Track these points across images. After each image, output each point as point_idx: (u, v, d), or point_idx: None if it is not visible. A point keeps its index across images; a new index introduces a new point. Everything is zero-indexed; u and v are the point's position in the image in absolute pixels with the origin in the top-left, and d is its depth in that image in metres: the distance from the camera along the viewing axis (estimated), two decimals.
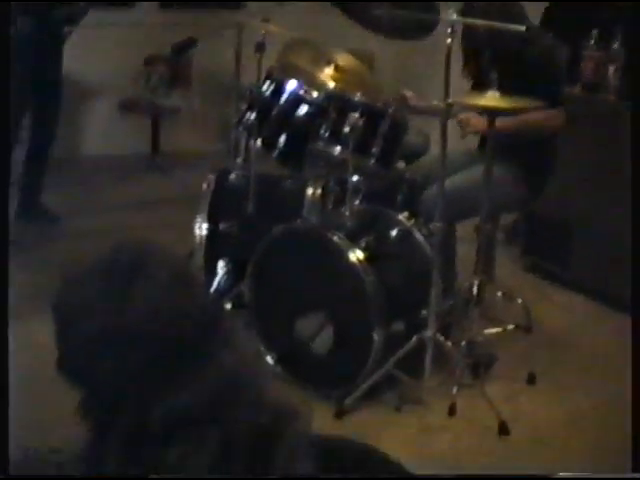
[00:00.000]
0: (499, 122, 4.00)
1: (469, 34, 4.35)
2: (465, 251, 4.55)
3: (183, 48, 7.40)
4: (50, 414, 3.47)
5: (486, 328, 4.28)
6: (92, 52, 7.08)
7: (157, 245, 1.43)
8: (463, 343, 4.08)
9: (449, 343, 3.98)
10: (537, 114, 4.19)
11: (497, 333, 4.37)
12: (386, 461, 1.48)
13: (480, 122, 4.19)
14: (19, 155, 5.88)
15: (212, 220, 4.46)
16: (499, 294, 4.74)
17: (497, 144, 4.00)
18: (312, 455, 1.35)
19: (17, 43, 5.38)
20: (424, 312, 3.95)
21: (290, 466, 1.32)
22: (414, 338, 3.91)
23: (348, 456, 1.46)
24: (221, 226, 4.46)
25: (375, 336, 3.78)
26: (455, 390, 3.91)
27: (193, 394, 1.31)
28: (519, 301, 4.63)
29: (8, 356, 1.56)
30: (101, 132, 7.60)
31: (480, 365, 4.10)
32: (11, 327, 4.43)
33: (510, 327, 4.43)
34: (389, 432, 3.66)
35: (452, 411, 3.88)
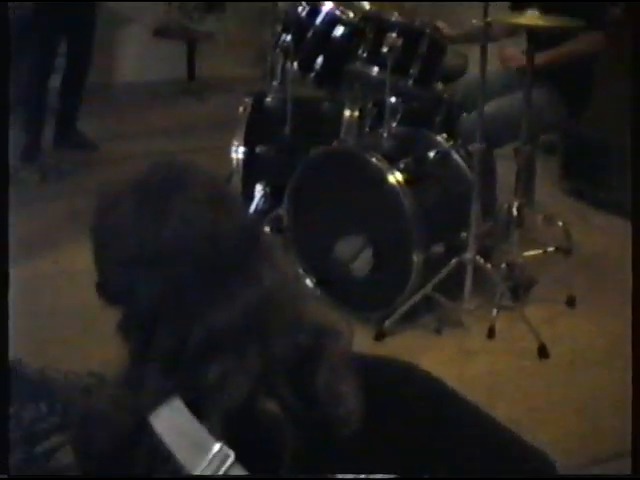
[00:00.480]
0: (540, 58, 3.96)
1: None
2: (505, 173, 4.50)
3: None
4: (90, 338, 3.50)
5: (526, 250, 4.24)
6: None
7: (194, 164, 1.41)
8: (503, 265, 4.05)
9: (489, 265, 3.94)
10: (577, 44, 4.13)
11: (537, 255, 4.32)
12: (429, 379, 1.46)
13: (520, 58, 4.14)
14: (55, 83, 5.87)
15: (249, 144, 4.43)
16: (539, 217, 4.68)
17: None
18: (353, 373, 1.34)
19: None
20: (464, 234, 3.91)
21: (332, 384, 1.31)
22: (453, 260, 3.88)
23: (390, 374, 1.45)
24: (258, 149, 4.43)
25: (414, 258, 3.76)
26: (494, 313, 3.89)
27: (232, 312, 1.30)
28: (559, 224, 4.57)
29: (8, 356, 1.55)
30: (136, 58, 7.56)
31: (520, 288, 4.08)
32: (51, 253, 4.48)
33: (550, 249, 4.38)
34: (428, 355, 3.65)
35: (491, 334, 3.87)
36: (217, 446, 1.27)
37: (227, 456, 1.27)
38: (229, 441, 1.27)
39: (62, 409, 2.55)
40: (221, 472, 1.26)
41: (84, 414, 1.41)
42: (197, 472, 1.26)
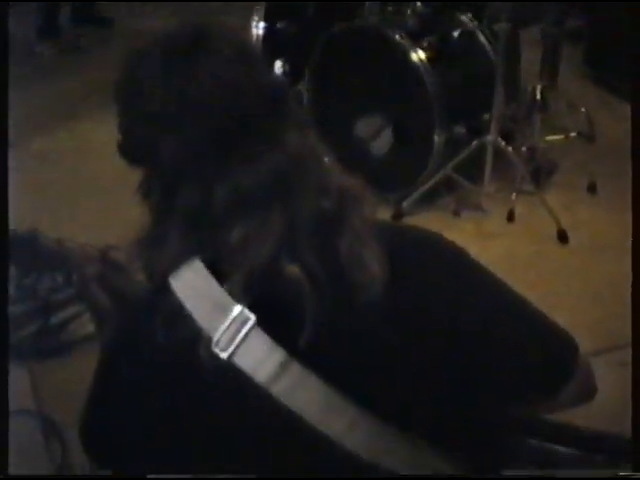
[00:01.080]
0: None
1: None
2: (530, 57, 4.41)
3: None
4: (105, 212, 3.50)
5: (548, 135, 4.18)
6: None
7: (224, 24, 1.38)
8: (524, 149, 4.00)
9: (510, 148, 3.89)
10: None
11: (559, 140, 4.26)
12: (454, 247, 1.44)
13: None
14: None
15: (269, 19, 4.34)
16: (562, 102, 4.60)
17: None
18: (377, 238, 1.31)
19: None
20: (486, 116, 3.85)
21: (355, 249, 1.29)
22: (475, 142, 3.84)
23: (415, 240, 1.43)
24: (278, 25, 4.35)
25: (435, 138, 3.73)
26: (514, 196, 3.86)
27: (257, 174, 1.28)
28: (582, 110, 4.50)
29: (8, 356, 1.54)
30: None
31: (541, 172, 4.05)
32: (68, 127, 4.46)
33: (572, 135, 4.32)
34: (446, 236, 3.63)
35: (511, 217, 3.84)
36: (237, 308, 1.26)
37: (248, 319, 1.25)
38: (250, 304, 1.26)
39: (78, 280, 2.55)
40: (240, 335, 1.25)
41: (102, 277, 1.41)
42: (216, 334, 1.25)
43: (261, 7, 4.34)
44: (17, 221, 3.53)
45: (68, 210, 3.71)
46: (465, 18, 4.07)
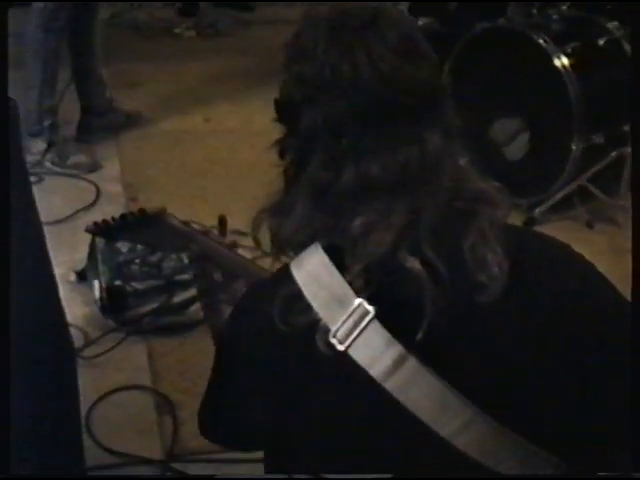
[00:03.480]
0: None
1: None
2: None
3: None
4: (235, 198, 3.50)
5: None
6: None
7: (397, 11, 1.41)
8: None
9: None
10: None
11: None
12: (582, 259, 1.39)
13: None
14: None
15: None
16: None
17: None
18: (503, 242, 1.28)
19: None
20: (626, 127, 3.75)
21: (478, 248, 1.26)
22: (613, 153, 3.75)
23: (543, 247, 1.39)
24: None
25: (573, 146, 3.66)
26: None
27: (389, 164, 1.27)
28: None
29: (9, 357, 1.56)
30: None
31: None
32: (202, 110, 4.49)
33: None
34: (576, 249, 3.54)
35: None
36: (357, 301, 1.25)
37: (367, 312, 1.24)
38: (369, 296, 1.25)
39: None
40: (359, 328, 1.24)
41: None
42: (335, 326, 1.24)
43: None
44: (146, 200, 3.61)
45: (199, 192, 3.74)
46: (611, 25, 3.98)
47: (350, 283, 1.26)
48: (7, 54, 1.83)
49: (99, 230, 1.68)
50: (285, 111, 1.34)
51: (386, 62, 1.27)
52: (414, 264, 1.25)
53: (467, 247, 1.27)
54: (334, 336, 1.24)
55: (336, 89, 1.27)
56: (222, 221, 1.90)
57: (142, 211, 1.66)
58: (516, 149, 3.80)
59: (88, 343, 2.98)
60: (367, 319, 1.24)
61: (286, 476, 1.37)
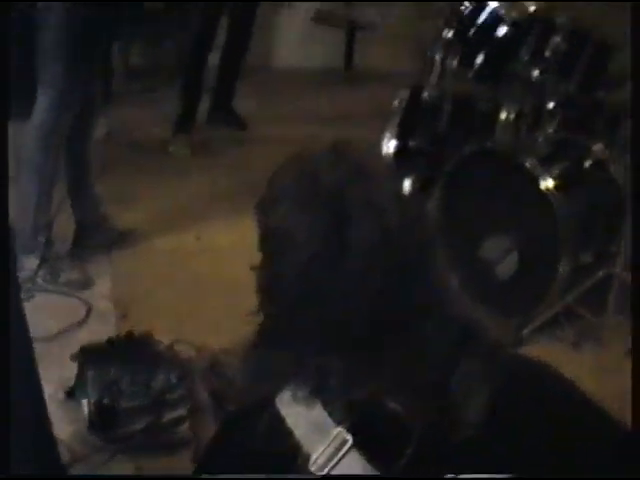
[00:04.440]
0: None
1: None
2: None
3: None
4: (226, 315, 3.52)
5: None
6: None
7: (373, 152, 1.43)
8: None
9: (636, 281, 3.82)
10: None
11: None
12: (567, 383, 1.42)
13: None
14: (214, 61, 5.95)
15: (401, 137, 4.40)
16: None
17: None
18: (491, 371, 1.32)
19: None
20: (613, 247, 3.81)
21: (463, 387, 1.30)
22: (600, 272, 3.80)
23: (528, 372, 1.44)
24: (410, 143, 4.40)
25: (561, 266, 3.70)
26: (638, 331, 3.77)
27: (361, 308, 1.31)
28: None
29: (9, 358, 1.58)
30: (295, 43, 7.60)
31: None
32: (195, 228, 4.54)
33: None
34: (564, 369, 3.54)
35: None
36: (337, 430, 1.28)
37: (345, 440, 1.27)
38: (349, 427, 1.29)
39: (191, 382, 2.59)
40: (339, 455, 1.27)
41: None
42: (315, 453, 1.27)
43: (394, 125, 4.40)
44: (136, 318, 3.64)
45: (189, 309, 3.76)
46: (596, 148, 4.06)
47: (330, 413, 1.29)
48: (7, 54, 1.84)
49: (85, 357, 1.70)
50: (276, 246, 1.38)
51: (373, 228, 1.31)
52: (395, 406, 1.28)
53: (454, 385, 1.30)
54: (314, 464, 1.27)
55: (311, 246, 1.31)
56: None
57: (129, 334, 1.69)
58: (505, 268, 3.84)
59: (76, 460, 2.96)
60: (346, 447, 1.27)
61: (286, 476, 1.37)
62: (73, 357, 1.63)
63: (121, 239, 4.40)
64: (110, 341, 1.50)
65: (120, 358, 1.55)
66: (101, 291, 4.02)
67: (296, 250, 1.31)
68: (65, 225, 4.31)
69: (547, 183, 3.73)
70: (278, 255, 1.35)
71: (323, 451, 1.27)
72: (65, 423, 3.11)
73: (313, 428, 1.29)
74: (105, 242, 4.36)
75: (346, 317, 1.31)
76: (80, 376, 3.21)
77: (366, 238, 1.30)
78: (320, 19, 7.42)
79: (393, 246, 1.32)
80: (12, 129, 2.30)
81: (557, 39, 3.96)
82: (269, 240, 1.37)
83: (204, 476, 1.40)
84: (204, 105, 5.98)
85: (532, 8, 4.33)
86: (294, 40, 7.60)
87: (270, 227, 1.36)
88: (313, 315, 1.32)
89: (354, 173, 1.33)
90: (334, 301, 1.31)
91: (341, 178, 1.33)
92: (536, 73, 4.00)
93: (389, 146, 4.41)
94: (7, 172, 1.69)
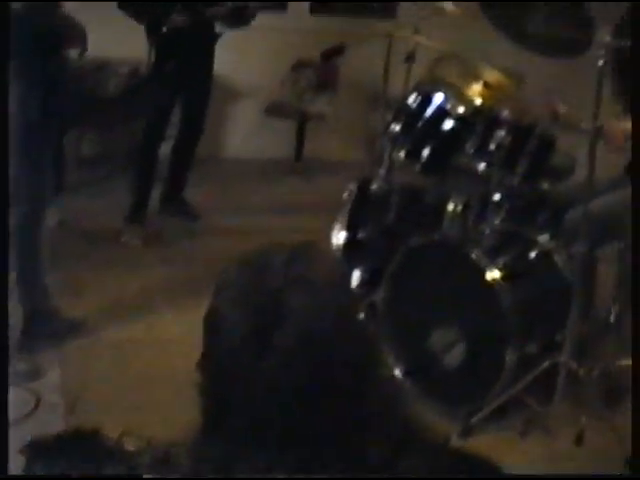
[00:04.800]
0: None
1: (622, 56, 4.23)
2: (606, 275, 4.43)
3: (332, 54, 7.41)
4: (177, 406, 3.51)
5: (622, 358, 4.15)
6: (242, 54, 7.18)
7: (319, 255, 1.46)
8: (596, 371, 3.97)
9: (582, 370, 3.87)
10: None
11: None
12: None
13: (624, 137, 4.10)
14: (165, 151, 5.99)
15: (351, 229, 4.46)
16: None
17: None
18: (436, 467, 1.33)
19: (170, 39, 5.52)
20: (559, 336, 3.86)
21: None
22: (547, 362, 3.83)
23: (471, 469, 1.44)
24: (359, 235, 4.46)
25: (507, 357, 3.74)
26: (584, 420, 3.81)
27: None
28: None
29: (8, 359, 1.59)
30: (246, 134, 7.69)
31: (612, 396, 4.00)
32: (146, 320, 4.54)
33: None
34: (512, 457, 3.57)
35: (579, 440, 3.78)
36: None
37: None
38: None
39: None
40: None
41: None
42: None
43: (343, 217, 4.46)
44: (84, 411, 3.62)
45: (139, 401, 3.75)
46: (542, 238, 4.14)
47: None
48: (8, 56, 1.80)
49: (33, 452, 1.69)
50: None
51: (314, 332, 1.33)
52: None
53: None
54: None
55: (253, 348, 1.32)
56: None
57: (77, 429, 1.68)
58: (453, 359, 3.88)
59: None
60: None
61: (286, 476, 1.37)
62: (21, 451, 1.63)
63: (71, 330, 4.38)
64: (58, 435, 1.50)
65: (68, 453, 1.55)
66: (51, 382, 4.00)
67: (229, 343, 1.34)
68: (15, 316, 4.29)
69: (493, 274, 3.79)
70: (210, 347, 1.37)
71: None
72: None
73: None
74: (55, 333, 4.34)
75: (273, 416, 1.32)
76: (28, 470, 3.18)
77: (297, 339, 1.31)
78: (272, 111, 7.52)
79: (326, 347, 1.32)
80: None
81: (501, 133, 4.06)
82: (205, 331, 1.39)
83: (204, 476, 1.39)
84: (157, 195, 6.02)
85: (478, 102, 4.45)
86: (246, 131, 7.69)
87: (208, 320, 1.38)
88: (246, 412, 1.34)
89: (298, 276, 1.35)
90: (261, 398, 1.32)
91: (284, 279, 1.35)
92: (482, 166, 4.08)
93: (339, 237, 4.46)
94: (7, 172, 1.68)
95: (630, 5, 4.06)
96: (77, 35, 5.42)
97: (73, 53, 6.64)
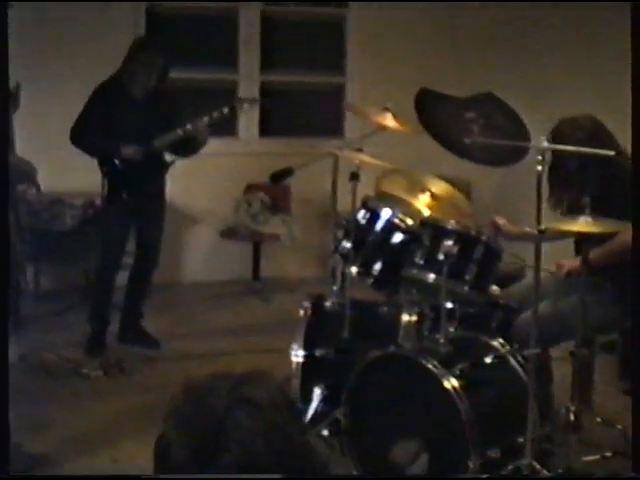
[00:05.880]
0: (591, 255, 4.02)
1: (560, 161, 4.36)
2: (562, 375, 4.49)
3: (281, 176, 7.56)
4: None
5: (584, 455, 4.19)
6: (195, 181, 7.32)
7: (261, 380, 1.51)
8: (560, 471, 4.01)
9: (545, 471, 3.91)
10: (625, 235, 4.10)
11: (596, 460, 4.26)
12: None
13: (574, 263, 4.24)
14: (122, 280, 6.05)
15: (308, 346, 4.50)
16: (598, 419, 4.63)
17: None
18: None
19: (122, 170, 5.65)
20: (520, 439, 3.90)
21: None
22: (510, 466, 3.86)
23: None
24: (317, 352, 4.50)
25: (470, 464, 3.76)
26: None
27: None
28: (618, 427, 4.51)
29: (8, 360, 1.62)
30: (202, 259, 7.77)
31: None
32: (110, 451, 4.53)
33: (608, 454, 4.32)
34: None
35: None
36: None
37: None
38: None
39: None
40: None
41: None
42: None
43: (300, 335, 4.50)
44: None
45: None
46: (496, 343, 4.20)
47: None
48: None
49: None
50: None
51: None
52: None
53: None
54: None
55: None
56: None
57: None
58: (417, 470, 3.89)
59: None
60: None
61: (286, 476, 1.39)
62: None
63: (33, 465, 4.36)
64: None
65: None
66: None
67: (174, 467, 1.38)
68: None
69: (450, 383, 3.84)
70: (159, 472, 1.42)
71: None
72: None
73: None
74: (17, 469, 4.31)
75: None
76: None
77: (240, 458, 1.37)
78: (227, 234, 7.62)
79: (268, 468, 1.37)
80: None
81: (449, 242, 4.15)
82: (155, 457, 1.44)
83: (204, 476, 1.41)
84: (116, 324, 6.05)
85: (425, 213, 4.56)
86: (203, 255, 7.78)
87: (157, 445, 1.43)
88: None
89: (242, 398, 1.40)
90: None
91: (228, 401, 1.40)
92: (431, 276, 4.16)
93: (297, 355, 4.50)
94: (7, 173, 1.72)
95: (630, 5, 4.15)
96: (28, 174, 5.54)
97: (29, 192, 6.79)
